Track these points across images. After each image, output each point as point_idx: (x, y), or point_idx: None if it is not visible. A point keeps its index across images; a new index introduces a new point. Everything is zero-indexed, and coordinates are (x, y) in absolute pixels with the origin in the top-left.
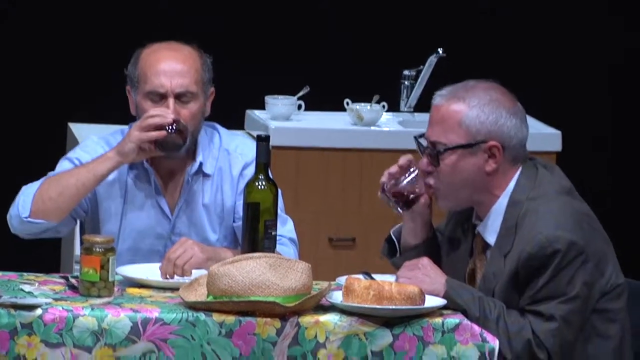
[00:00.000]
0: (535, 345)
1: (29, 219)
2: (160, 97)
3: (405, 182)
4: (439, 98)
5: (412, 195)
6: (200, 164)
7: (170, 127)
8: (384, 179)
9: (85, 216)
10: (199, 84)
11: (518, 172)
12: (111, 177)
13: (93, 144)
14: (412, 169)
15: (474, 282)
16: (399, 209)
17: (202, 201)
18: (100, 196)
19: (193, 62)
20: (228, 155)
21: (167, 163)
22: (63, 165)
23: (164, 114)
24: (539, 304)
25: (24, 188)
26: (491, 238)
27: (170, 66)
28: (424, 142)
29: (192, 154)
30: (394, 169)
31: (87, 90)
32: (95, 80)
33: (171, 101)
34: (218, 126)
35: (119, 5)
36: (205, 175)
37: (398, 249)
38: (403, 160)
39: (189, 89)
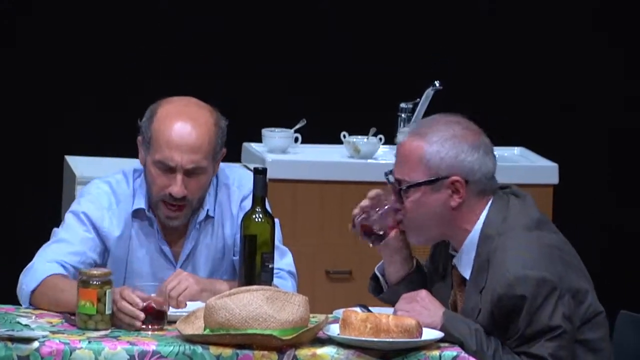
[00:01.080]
0: None
1: (31, 298)
2: (169, 169)
3: (374, 216)
4: (402, 135)
5: (381, 231)
6: (207, 210)
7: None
8: (355, 211)
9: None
10: (210, 156)
11: (488, 205)
12: (117, 227)
13: (97, 194)
14: (384, 204)
15: None
16: (369, 243)
17: (206, 244)
18: (109, 245)
19: (207, 134)
20: (227, 189)
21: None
22: (69, 221)
23: (135, 317)
24: (527, 346)
25: (36, 258)
26: (466, 273)
27: (184, 140)
28: (392, 178)
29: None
30: (365, 202)
31: (84, 122)
32: (92, 112)
33: (179, 177)
34: None
35: (118, 5)
36: (209, 217)
37: (383, 285)
38: (372, 193)
39: (200, 165)
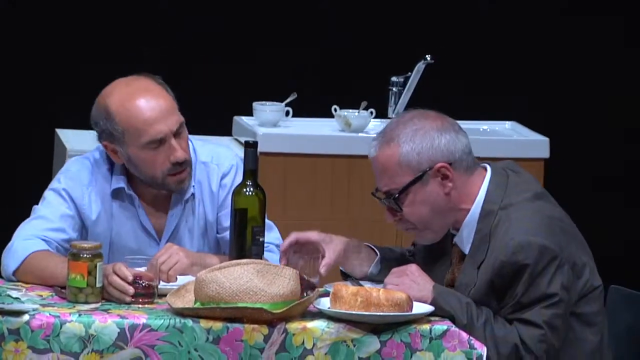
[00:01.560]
0: (523, 350)
1: (14, 277)
2: (160, 143)
3: (302, 269)
4: (372, 150)
5: (315, 278)
6: (193, 187)
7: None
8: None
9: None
10: (178, 110)
11: (486, 181)
12: (97, 204)
13: (77, 171)
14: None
15: None
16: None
17: (188, 221)
18: (88, 223)
19: (164, 93)
20: (205, 167)
21: (149, 190)
22: (49, 198)
23: (125, 292)
24: (522, 312)
25: (16, 237)
26: (466, 249)
27: (156, 109)
28: (379, 196)
29: None
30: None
31: (75, 95)
32: (83, 84)
33: (173, 142)
34: (189, 137)
35: (118, 5)
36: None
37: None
38: (283, 247)
39: (180, 120)
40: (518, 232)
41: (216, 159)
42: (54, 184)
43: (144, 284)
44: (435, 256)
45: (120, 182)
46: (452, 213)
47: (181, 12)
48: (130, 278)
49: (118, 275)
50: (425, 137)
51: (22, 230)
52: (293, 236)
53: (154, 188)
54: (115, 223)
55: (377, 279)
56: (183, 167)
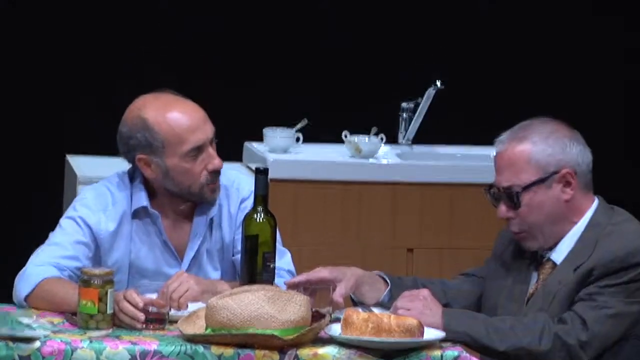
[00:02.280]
0: (564, 334)
1: (26, 303)
2: (199, 151)
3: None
4: (501, 145)
5: (329, 308)
6: (219, 207)
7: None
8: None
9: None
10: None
11: (596, 203)
12: (114, 228)
13: (93, 197)
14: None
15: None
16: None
17: (206, 242)
18: (104, 249)
19: (194, 103)
20: (225, 191)
21: (176, 204)
22: (65, 225)
23: (136, 319)
24: (598, 295)
25: (29, 263)
26: (561, 257)
27: (195, 117)
28: (495, 191)
29: None
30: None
31: (85, 121)
32: (93, 112)
33: (211, 150)
34: None
35: (118, 8)
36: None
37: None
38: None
39: (213, 128)
40: (636, 238)
41: (237, 184)
42: (69, 211)
43: (155, 311)
44: (513, 273)
45: (142, 201)
46: (563, 222)
47: (181, 12)
48: (141, 305)
49: (129, 302)
50: (558, 141)
51: (35, 256)
52: (303, 277)
53: (187, 199)
54: (134, 245)
55: (387, 306)
56: (218, 176)
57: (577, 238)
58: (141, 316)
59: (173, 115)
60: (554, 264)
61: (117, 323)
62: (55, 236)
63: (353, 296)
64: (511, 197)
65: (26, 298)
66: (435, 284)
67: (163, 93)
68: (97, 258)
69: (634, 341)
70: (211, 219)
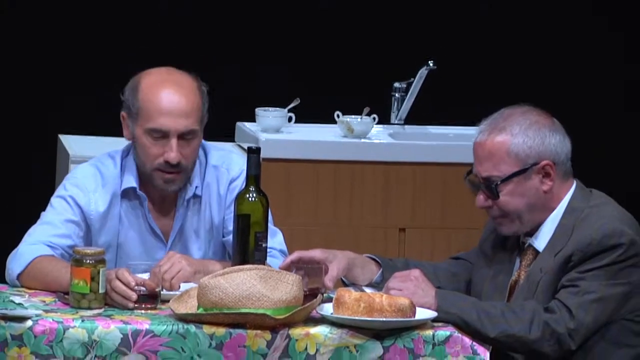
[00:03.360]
0: (554, 322)
1: (19, 281)
2: (162, 135)
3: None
4: (481, 135)
5: (322, 288)
6: (196, 188)
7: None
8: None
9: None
10: (199, 120)
11: (573, 187)
12: (104, 209)
13: (83, 177)
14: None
15: (514, 290)
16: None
17: (194, 222)
18: (95, 230)
19: (195, 98)
20: (215, 171)
21: (159, 189)
22: (56, 204)
23: (128, 298)
24: (580, 281)
25: (22, 242)
26: (542, 244)
27: (174, 105)
28: (474, 179)
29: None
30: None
31: (78, 101)
32: (86, 91)
33: (174, 141)
34: (203, 142)
35: (117, 6)
36: (196, 197)
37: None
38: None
39: (192, 128)
40: (613, 220)
41: (227, 164)
42: (60, 190)
43: (146, 291)
44: (496, 261)
45: (131, 182)
46: (542, 211)
47: (181, 12)
48: (133, 283)
49: (121, 281)
50: (538, 133)
51: (28, 236)
52: (295, 255)
53: (148, 179)
54: (122, 227)
55: (379, 287)
56: (175, 169)
57: (556, 225)
58: (133, 295)
59: (158, 92)
60: (536, 250)
61: (109, 302)
62: (46, 215)
63: (344, 279)
64: (490, 188)
65: (18, 276)
66: (426, 267)
67: (182, 73)
68: (87, 239)
69: (620, 322)
70: (197, 199)
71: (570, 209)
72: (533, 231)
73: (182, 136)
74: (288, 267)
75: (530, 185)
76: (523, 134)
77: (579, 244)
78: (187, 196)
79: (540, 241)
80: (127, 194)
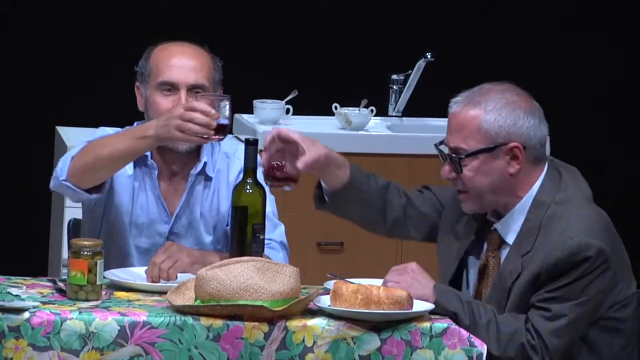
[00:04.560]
0: (530, 348)
1: (66, 182)
2: (172, 88)
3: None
4: (455, 105)
5: (277, 172)
6: (205, 164)
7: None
8: (265, 165)
9: (99, 199)
10: (211, 81)
11: (542, 174)
12: (123, 170)
13: (106, 134)
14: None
15: (485, 278)
16: (285, 187)
17: (201, 204)
18: (116, 186)
19: (205, 59)
20: (227, 158)
21: (171, 161)
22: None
23: (211, 118)
24: (551, 302)
25: (69, 153)
26: (510, 237)
27: (183, 60)
28: (444, 149)
29: (195, 154)
30: (267, 155)
31: (76, 93)
32: (84, 83)
33: (183, 93)
34: None
35: (116, 5)
36: (207, 178)
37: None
38: (267, 143)
39: (201, 83)
40: (578, 232)
41: (239, 153)
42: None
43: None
44: (457, 232)
45: None
46: (506, 195)
47: (181, 12)
48: (213, 112)
49: (200, 111)
50: (512, 113)
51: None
52: (275, 131)
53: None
54: (136, 191)
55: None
56: None
57: (523, 219)
58: (214, 124)
59: (169, 51)
60: (501, 237)
61: (178, 137)
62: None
63: (323, 183)
64: (455, 159)
65: (68, 172)
66: (398, 196)
67: (196, 46)
68: (111, 191)
69: (598, 324)
70: (208, 179)
71: (537, 202)
72: (499, 214)
73: (192, 90)
74: (270, 147)
75: (496, 165)
76: (496, 112)
77: (545, 264)
78: (195, 171)
79: (506, 230)
80: (139, 162)
